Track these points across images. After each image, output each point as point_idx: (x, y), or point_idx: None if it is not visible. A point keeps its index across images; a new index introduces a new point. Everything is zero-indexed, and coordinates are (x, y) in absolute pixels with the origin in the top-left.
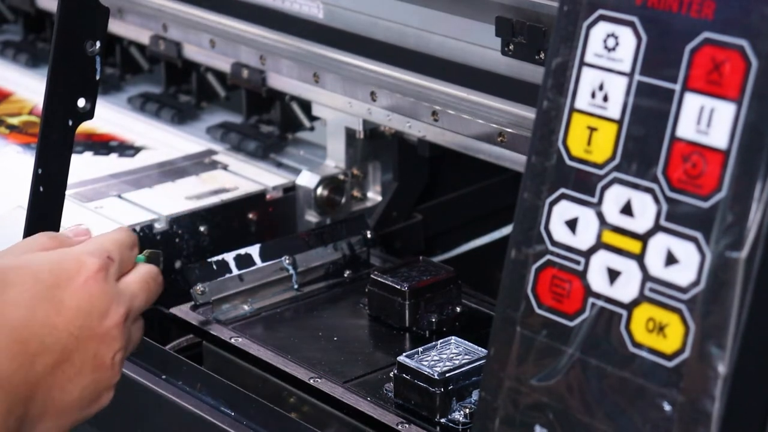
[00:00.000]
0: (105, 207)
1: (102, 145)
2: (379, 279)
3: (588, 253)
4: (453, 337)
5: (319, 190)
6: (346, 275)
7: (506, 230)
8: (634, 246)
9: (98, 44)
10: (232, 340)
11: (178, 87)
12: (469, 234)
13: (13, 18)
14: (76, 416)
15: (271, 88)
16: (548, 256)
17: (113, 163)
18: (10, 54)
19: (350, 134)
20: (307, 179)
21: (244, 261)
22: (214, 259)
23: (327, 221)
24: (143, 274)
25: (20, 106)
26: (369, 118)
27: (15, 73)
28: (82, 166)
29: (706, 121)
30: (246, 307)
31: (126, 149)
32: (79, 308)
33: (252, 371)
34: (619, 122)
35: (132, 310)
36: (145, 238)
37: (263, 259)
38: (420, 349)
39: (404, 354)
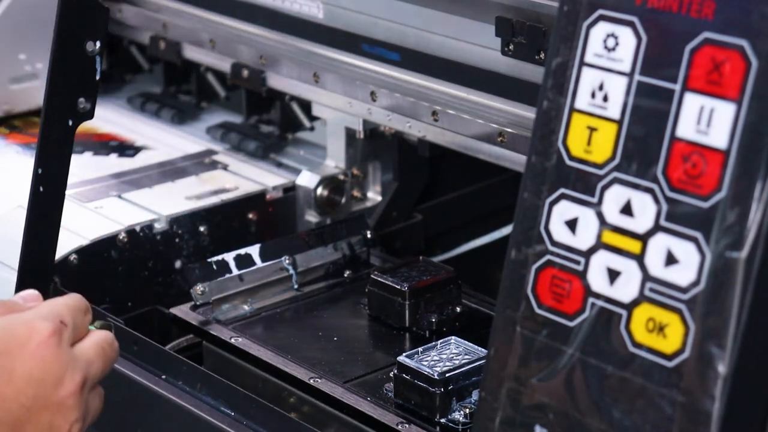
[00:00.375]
0: (105, 207)
1: (102, 145)
2: (379, 279)
3: (588, 253)
4: (453, 337)
5: (319, 190)
6: (346, 275)
7: (506, 230)
8: (634, 246)
9: (98, 44)
10: (232, 340)
11: (178, 87)
12: (469, 234)
13: None
14: None
15: (271, 88)
16: (548, 256)
17: (113, 163)
18: None
19: (350, 134)
20: (307, 179)
21: (244, 261)
22: (214, 259)
23: (327, 221)
24: (98, 340)
25: None
26: (369, 118)
27: None
28: (82, 166)
29: (706, 121)
30: (246, 307)
31: (126, 149)
32: (31, 376)
33: (252, 371)
34: (619, 122)
35: (89, 378)
36: (145, 238)
37: (263, 259)
38: (420, 349)
39: (404, 354)
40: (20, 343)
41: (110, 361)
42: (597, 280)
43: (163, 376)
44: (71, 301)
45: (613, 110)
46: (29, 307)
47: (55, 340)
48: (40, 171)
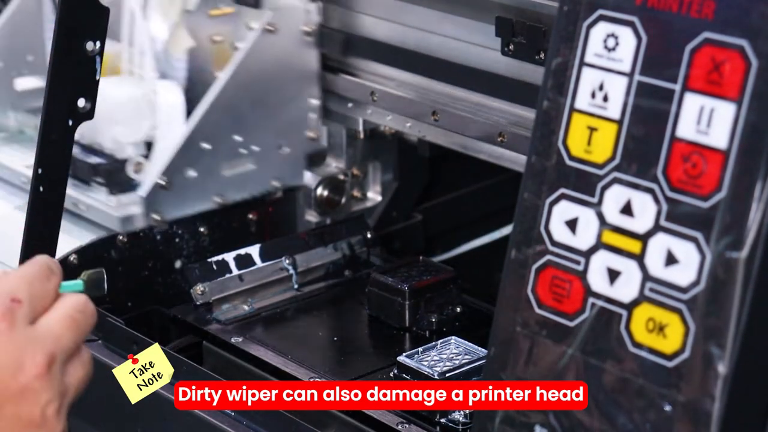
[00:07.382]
0: None
1: None
2: (379, 279)
3: (588, 253)
4: (453, 337)
5: (319, 190)
6: (346, 275)
7: (506, 230)
8: (634, 246)
9: (98, 44)
10: (232, 340)
11: None
12: (469, 234)
13: None
14: None
15: None
16: (548, 256)
17: None
18: None
19: (350, 134)
20: (307, 179)
21: (244, 261)
22: (214, 259)
23: (327, 221)
24: (67, 309)
25: None
26: (369, 118)
27: None
28: None
29: (706, 121)
30: (246, 307)
31: None
32: None
33: (252, 371)
34: (619, 122)
35: (58, 354)
36: (145, 238)
37: (263, 259)
38: (420, 349)
39: (404, 354)
40: None
41: (84, 329)
42: (597, 280)
43: None
44: (28, 271)
45: (613, 110)
46: None
47: (6, 324)
48: (40, 171)
